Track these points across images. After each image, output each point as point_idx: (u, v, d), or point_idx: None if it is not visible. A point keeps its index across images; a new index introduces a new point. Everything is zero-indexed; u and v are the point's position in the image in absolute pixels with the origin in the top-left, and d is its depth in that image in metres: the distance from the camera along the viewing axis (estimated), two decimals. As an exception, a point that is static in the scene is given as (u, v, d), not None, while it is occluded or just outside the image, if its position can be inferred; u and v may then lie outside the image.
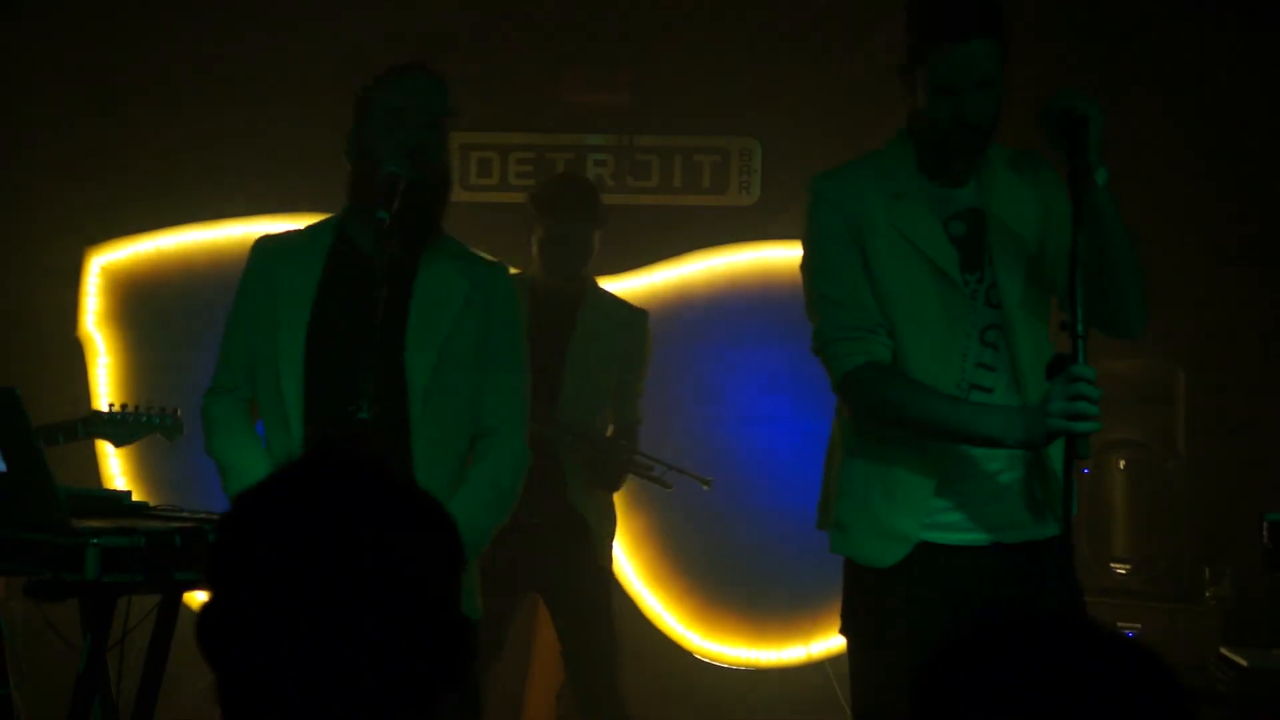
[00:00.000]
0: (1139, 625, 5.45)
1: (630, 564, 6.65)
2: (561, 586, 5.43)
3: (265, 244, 3.97)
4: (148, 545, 3.61)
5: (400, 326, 3.75)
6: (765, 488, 6.67)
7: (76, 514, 3.73)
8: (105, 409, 5.08)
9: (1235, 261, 6.49)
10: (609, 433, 5.53)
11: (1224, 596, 5.86)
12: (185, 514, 4.05)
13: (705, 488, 5.88)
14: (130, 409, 4.99)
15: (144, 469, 6.40)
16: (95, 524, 3.69)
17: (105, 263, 6.69)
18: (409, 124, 3.78)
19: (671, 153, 6.93)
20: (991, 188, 3.53)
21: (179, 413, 4.97)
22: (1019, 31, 3.60)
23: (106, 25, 6.72)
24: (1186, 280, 6.04)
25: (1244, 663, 4.32)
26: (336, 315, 3.79)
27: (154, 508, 4.21)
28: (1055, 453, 3.45)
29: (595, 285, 5.57)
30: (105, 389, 6.61)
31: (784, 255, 6.83)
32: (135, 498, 4.25)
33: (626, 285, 6.67)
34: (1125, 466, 5.83)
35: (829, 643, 6.64)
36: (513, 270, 3.97)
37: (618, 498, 5.61)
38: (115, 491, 4.55)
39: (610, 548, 5.53)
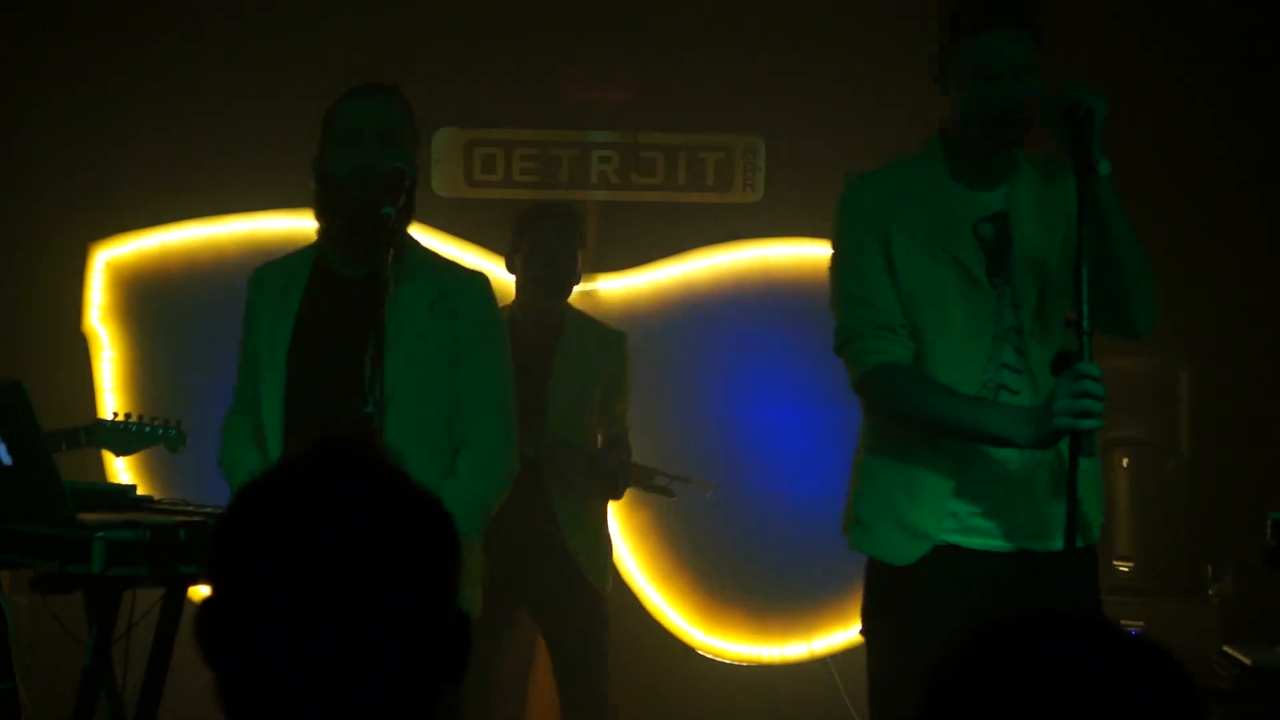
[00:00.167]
0: (1141, 623, 5.45)
1: (633, 560, 6.65)
2: (551, 607, 5.43)
3: (258, 274, 4.10)
4: (152, 539, 3.61)
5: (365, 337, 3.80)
6: (768, 484, 6.66)
7: (82, 508, 3.73)
8: (110, 417, 5.08)
9: (1239, 260, 6.49)
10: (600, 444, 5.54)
11: (1226, 594, 5.86)
12: (190, 508, 4.05)
13: (709, 495, 5.88)
14: (134, 419, 4.98)
15: (149, 463, 6.40)
16: (100, 518, 3.69)
17: (110, 258, 6.69)
18: (363, 144, 3.87)
19: (676, 150, 6.92)
20: (1019, 194, 3.52)
21: (182, 424, 4.97)
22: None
23: (111, 22, 6.72)
24: (1190, 279, 6.03)
25: (1246, 660, 4.32)
26: (314, 336, 3.91)
27: (158, 502, 4.22)
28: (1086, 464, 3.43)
29: (574, 309, 5.60)
30: (109, 383, 6.61)
31: (787, 253, 6.83)
32: (140, 492, 4.26)
33: (630, 282, 6.67)
34: (1128, 465, 5.83)
35: (831, 639, 6.64)
36: (496, 268, 4.00)
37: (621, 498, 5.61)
38: (120, 485, 4.56)
39: (606, 573, 5.53)
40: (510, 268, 5.50)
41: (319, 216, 3.96)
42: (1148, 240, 3.56)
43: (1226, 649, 4.50)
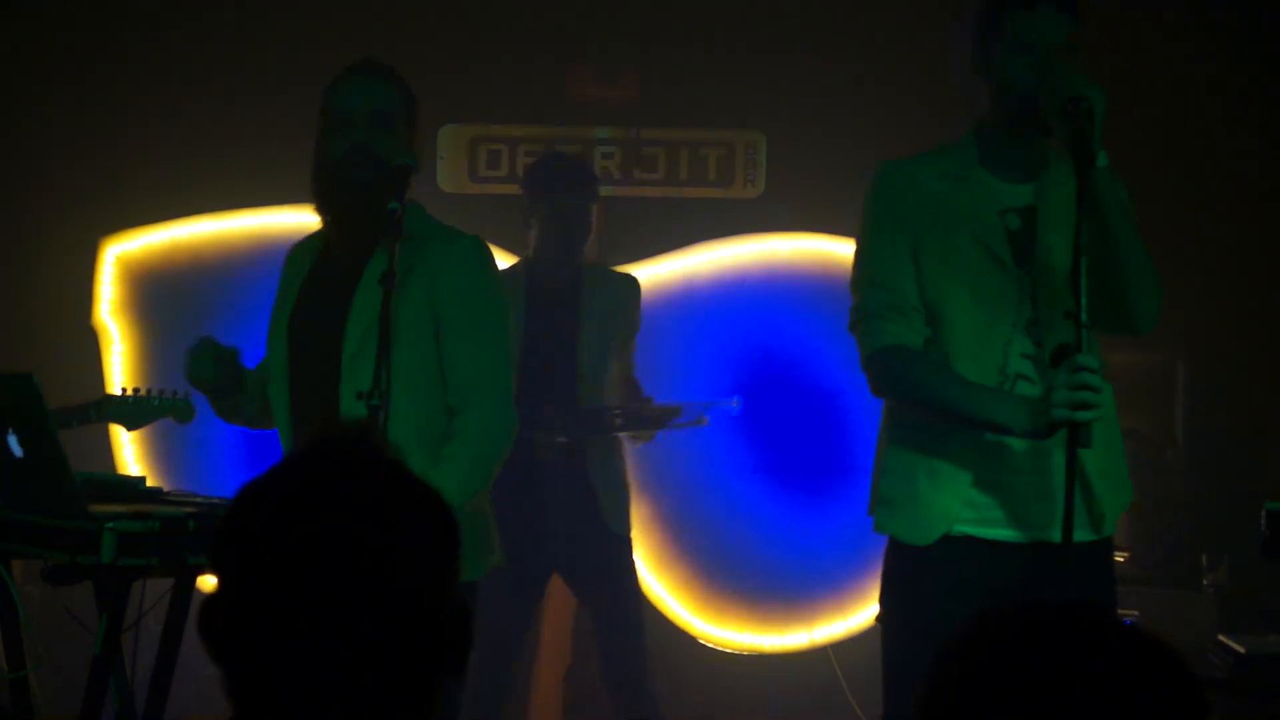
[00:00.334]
0: (1137, 612, 5.45)
1: (636, 551, 6.64)
2: (583, 569, 5.42)
3: (291, 250, 4.09)
4: (162, 530, 3.62)
5: (345, 317, 3.81)
6: (768, 475, 6.67)
7: (92, 499, 3.73)
8: (118, 392, 5.08)
9: (1236, 255, 6.49)
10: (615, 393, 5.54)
11: (1221, 584, 5.86)
12: (199, 499, 4.06)
13: (735, 406, 5.84)
14: (142, 392, 4.98)
15: (158, 454, 6.41)
16: (110, 509, 3.69)
17: (119, 252, 6.69)
18: (354, 124, 3.82)
19: (678, 146, 6.93)
20: (1050, 189, 3.49)
21: (189, 395, 4.97)
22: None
23: (120, 17, 6.72)
24: (1186, 274, 6.03)
25: (1241, 649, 4.32)
26: (309, 321, 3.88)
27: (168, 493, 4.22)
28: (1092, 452, 3.43)
29: (589, 267, 5.58)
30: (119, 376, 6.61)
31: (788, 247, 6.83)
32: (149, 483, 4.26)
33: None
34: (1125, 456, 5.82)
35: (831, 628, 6.65)
36: (507, 264, 3.95)
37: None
38: (130, 477, 4.56)
39: (629, 514, 5.52)
40: (526, 223, 5.47)
41: (315, 201, 3.90)
42: (1144, 236, 3.56)
43: (1221, 638, 4.50)
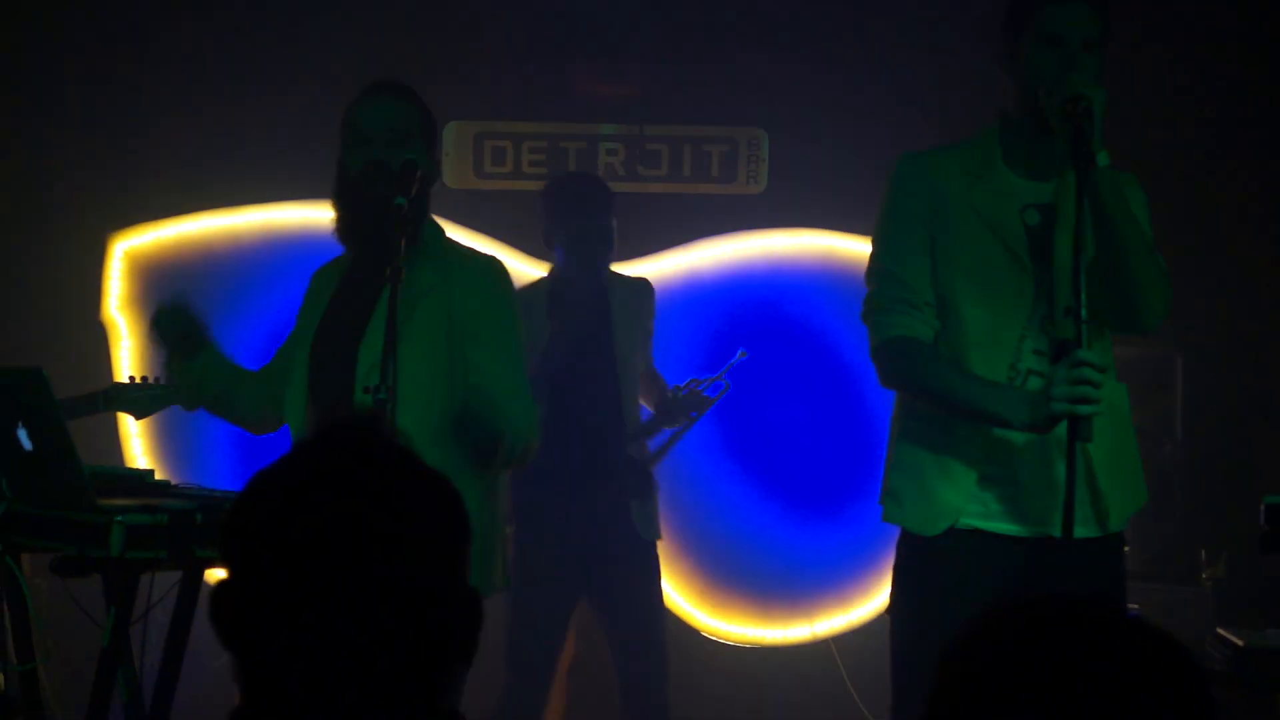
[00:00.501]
0: (1137, 606, 5.45)
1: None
2: (609, 582, 5.43)
3: (316, 273, 4.13)
4: (170, 523, 3.61)
5: (363, 329, 3.85)
6: (771, 471, 6.67)
7: (100, 492, 3.73)
8: (126, 380, 5.07)
9: (1233, 250, 6.49)
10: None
11: (1220, 578, 5.86)
12: (207, 492, 4.05)
13: (742, 357, 5.83)
14: (150, 380, 4.98)
15: (166, 448, 6.41)
16: (119, 502, 3.69)
17: (128, 248, 6.69)
18: (372, 142, 3.87)
19: (681, 142, 6.93)
20: (1070, 188, 3.47)
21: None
22: None
23: (130, 14, 6.72)
24: (1184, 270, 6.02)
25: (1240, 642, 4.31)
26: (331, 332, 3.93)
27: (176, 486, 4.22)
28: (1098, 449, 3.42)
29: (611, 275, 5.59)
30: (128, 370, 6.60)
31: (790, 242, 6.84)
32: (157, 476, 4.26)
33: (636, 271, 6.65)
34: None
35: (833, 621, 6.65)
36: (535, 278, 3.94)
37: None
38: (138, 470, 4.55)
39: (658, 519, 5.53)
40: (549, 244, 5.47)
41: (336, 217, 3.97)
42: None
43: (1220, 631, 4.49)
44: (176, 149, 6.66)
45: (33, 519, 3.78)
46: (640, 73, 6.92)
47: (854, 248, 6.60)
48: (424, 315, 3.81)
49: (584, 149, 6.88)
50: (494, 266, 4.00)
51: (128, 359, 6.63)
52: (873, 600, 6.58)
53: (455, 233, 6.25)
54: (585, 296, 5.40)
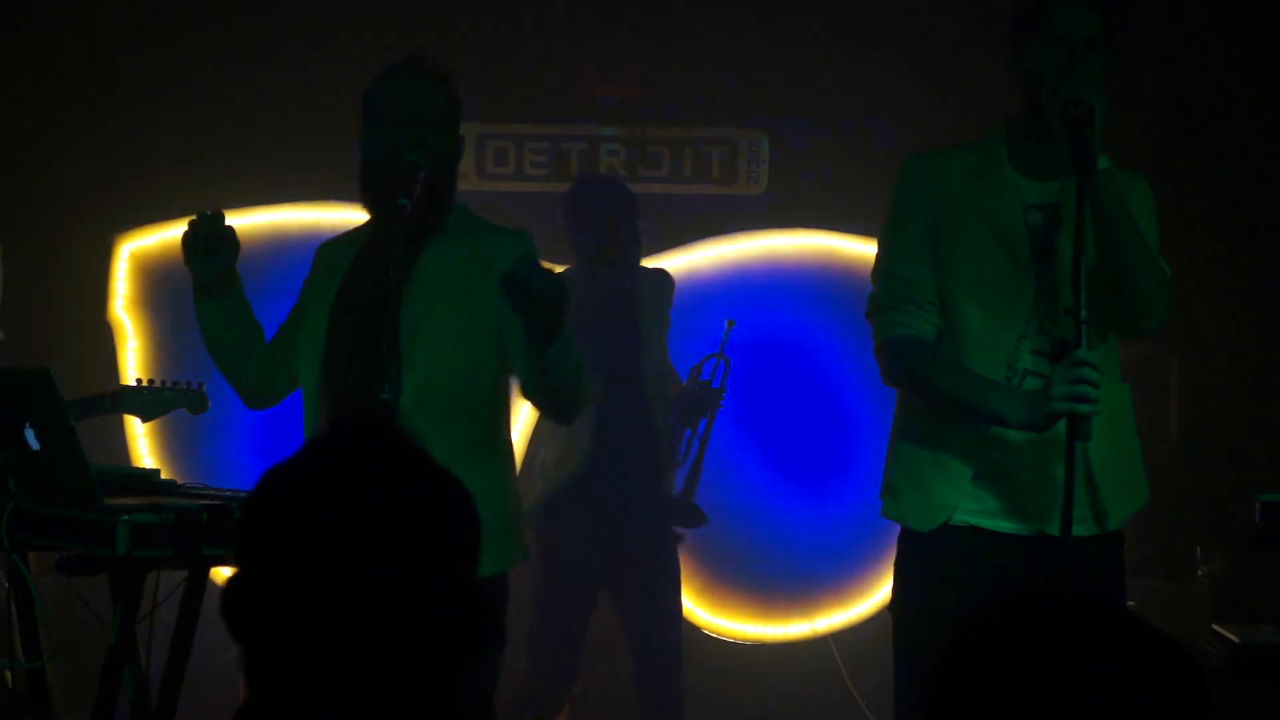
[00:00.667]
0: (1133, 602, 5.44)
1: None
2: (634, 580, 5.46)
3: (320, 250, 4.02)
4: (176, 522, 3.61)
5: (399, 299, 3.72)
6: (771, 468, 6.67)
7: (107, 491, 3.73)
8: (133, 383, 5.07)
9: (1227, 251, 6.48)
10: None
11: (1215, 574, 5.85)
12: (213, 491, 4.05)
13: (731, 325, 5.83)
14: (157, 383, 4.98)
15: (172, 448, 6.41)
16: (125, 501, 3.69)
17: (134, 249, 6.69)
18: (397, 121, 3.77)
19: (682, 144, 6.93)
20: (1072, 190, 3.44)
21: (204, 386, 4.96)
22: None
23: (136, 16, 6.72)
24: (1179, 270, 6.02)
25: (1234, 638, 4.31)
26: (348, 307, 3.82)
27: (182, 485, 4.21)
28: (1098, 449, 3.42)
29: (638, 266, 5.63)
30: (134, 370, 6.61)
31: (790, 243, 6.84)
32: (164, 476, 4.26)
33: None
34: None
35: (832, 619, 6.65)
36: (558, 268, 3.94)
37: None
38: (144, 470, 4.55)
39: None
40: (572, 245, 5.50)
41: (362, 196, 3.85)
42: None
43: (1215, 627, 4.50)
44: (181, 151, 6.66)
45: (40, 518, 3.78)
46: (641, 75, 6.92)
47: (853, 248, 6.60)
48: (456, 291, 3.74)
49: (585, 150, 6.88)
50: (527, 239, 3.89)
51: (134, 359, 6.63)
52: (872, 597, 6.58)
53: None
54: (610, 292, 5.40)
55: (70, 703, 5.30)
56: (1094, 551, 3.51)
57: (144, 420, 5.15)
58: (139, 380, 5.09)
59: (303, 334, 3.88)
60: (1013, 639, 1.52)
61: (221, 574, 4.94)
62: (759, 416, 6.62)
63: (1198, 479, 6.14)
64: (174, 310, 6.63)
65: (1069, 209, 3.48)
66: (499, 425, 3.86)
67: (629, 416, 5.37)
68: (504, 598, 3.77)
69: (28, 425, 3.75)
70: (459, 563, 1.76)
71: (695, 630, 6.63)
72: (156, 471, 4.28)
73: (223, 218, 3.89)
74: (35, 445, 3.75)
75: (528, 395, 3.83)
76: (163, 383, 4.97)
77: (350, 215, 6.51)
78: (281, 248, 6.49)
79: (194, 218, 3.89)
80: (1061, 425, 3.36)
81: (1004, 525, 3.55)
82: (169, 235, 6.69)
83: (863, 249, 6.43)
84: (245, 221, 6.66)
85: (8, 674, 4.76)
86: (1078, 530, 3.38)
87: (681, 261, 6.72)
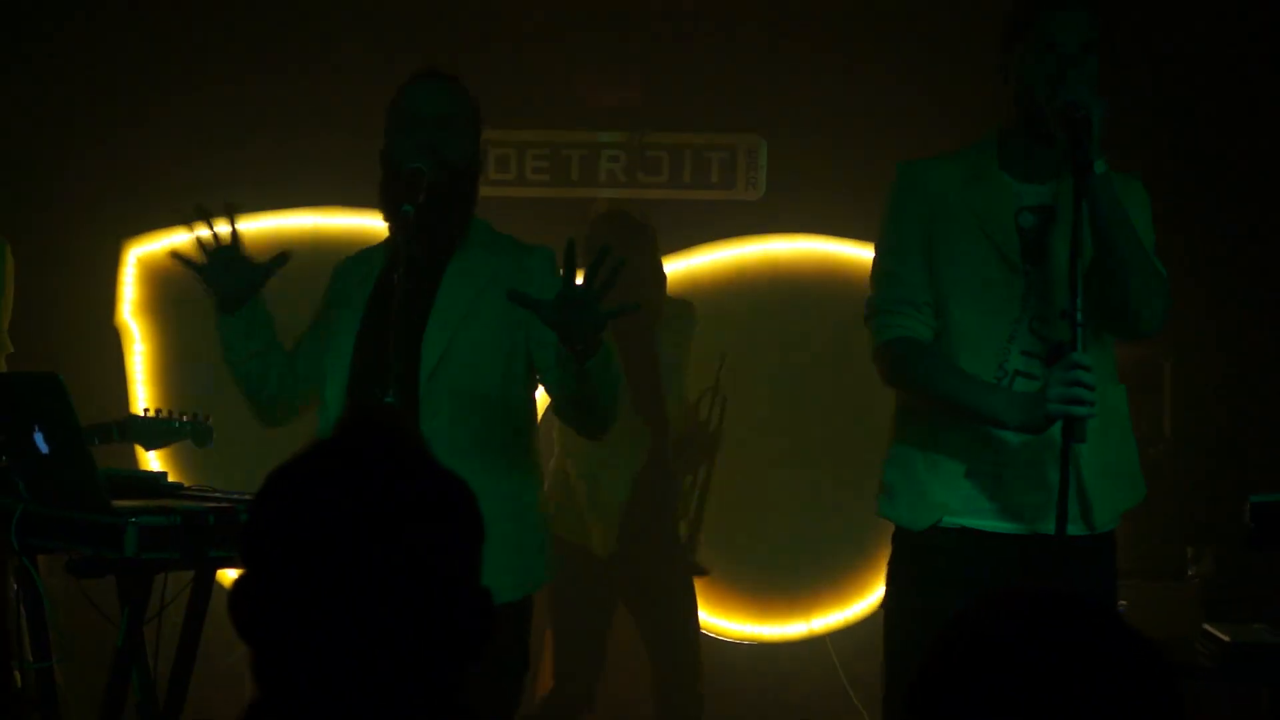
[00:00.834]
0: (1126, 602, 5.45)
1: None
2: (651, 589, 5.49)
3: (340, 266, 3.98)
4: (183, 524, 3.62)
5: (425, 316, 3.72)
6: (769, 471, 6.67)
7: (115, 494, 3.74)
8: (141, 413, 5.08)
9: (1219, 254, 6.49)
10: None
11: (1207, 575, 5.86)
12: (218, 494, 4.05)
13: (724, 358, 5.80)
14: (164, 414, 4.97)
15: (179, 451, 6.40)
16: (133, 504, 3.70)
17: (141, 254, 6.70)
18: (419, 126, 3.75)
19: (681, 149, 6.93)
20: (1068, 192, 3.44)
21: (210, 420, 4.96)
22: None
23: (143, 23, 6.73)
24: (1172, 274, 6.02)
25: (1226, 638, 4.31)
26: (377, 315, 3.75)
27: (189, 488, 4.22)
28: (1088, 449, 3.43)
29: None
30: (140, 375, 6.62)
31: (788, 248, 6.84)
32: (171, 479, 4.26)
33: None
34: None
35: (829, 619, 6.66)
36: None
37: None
38: (152, 473, 4.56)
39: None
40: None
41: (384, 205, 3.79)
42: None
43: (1207, 627, 4.49)
44: (188, 157, 6.66)
45: (49, 520, 3.79)
46: (641, 81, 6.93)
47: (851, 253, 6.61)
48: (486, 304, 3.71)
49: (586, 156, 6.89)
50: (552, 256, 3.81)
51: (140, 363, 6.64)
52: (868, 598, 6.59)
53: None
54: (633, 322, 5.37)
55: (78, 703, 5.31)
56: (1086, 551, 3.52)
57: (147, 449, 5.15)
58: (146, 410, 5.10)
59: (329, 354, 3.82)
60: (992, 638, 1.53)
61: (228, 575, 4.96)
62: (758, 420, 6.62)
63: (1190, 480, 6.14)
64: (180, 315, 6.64)
65: (1064, 211, 3.49)
66: (528, 444, 3.82)
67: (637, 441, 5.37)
68: (528, 620, 3.76)
69: (37, 429, 3.76)
70: (461, 563, 1.75)
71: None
72: (164, 474, 4.29)
73: (235, 233, 3.84)
74: (44, 449, 3.76)
75: (559, 412, 3.77)
76: (169, 414, 4.98)
77: (352, 220, 6.54)
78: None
79: (205, 234, 3.83)
80: (1056, 426, 3.38)
81: (997, 525, 3.56)
82: (175, 241, 6.70)
83: (860, 254, 6.44)
84: (250, 227, 6.68)
85: (16, 674, 4.77)
86: (1070, 530, 3.39)
87: (681, 266, 6.72)
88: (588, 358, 3.46)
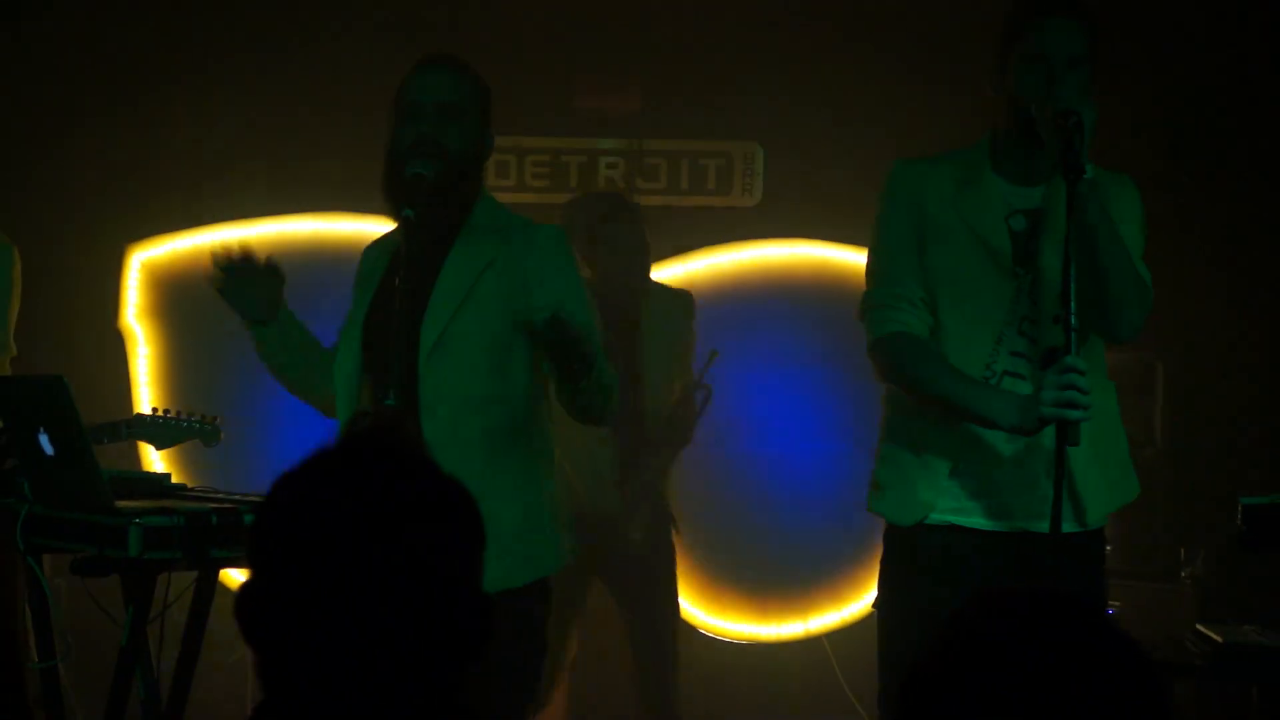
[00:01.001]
0: (1119, 603, 5.44)
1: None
2: (635, 575, 5.45)
3: (366, 250, 3.93)
4: (186, 525, 3.62)
5: (424, 305, 3.66)
6: (767, 472, 6.67)
7: (119, 495, 3.74)
8: (149, 412, 5.07)
9: (1211, 259, 6.49)
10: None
11: (1199, 575, 5.86)
12: (221, 495, 4.05)
13: (715, 355, 5.76)
14: (172, 414, 4.96)
15: (182, 452, 6.39)
16: (137, 504, 3.70)
17: (145, 258, 6.69)
18: (420, 117, 3.68)
19: (678, 156, 6.94)
20: (1059, 193, 3.45)
21: (219, 420, 4.95)
22: None
23: (148, 30, 6.73)
24: (1163, 278, 6.02)
25: (1218, 638, 4.31)
26: (381, 310, 3.72)
27: (192, 489, 4.22)
28: (1081, 451, 3.44)
29: (652, 282, 5.59)
30: (145, 378, 6.61)
31: (784, 253, 6.85)
32: (174, 480, 4.26)
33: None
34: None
35: (826, 619, 6.65)
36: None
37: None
38: (155, 474, 4.56)
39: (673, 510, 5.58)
40: (581, 256, 5.44)
41: (385, 195, 3.72)
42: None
43: (1199, 627, 4.49)
44: (192, 163, 6.67)
45: (54, 521, 3.79)
46: (640, 90, 6.93)
47: (846, 258, 6.61)
48: (486, 286, 3.65)
49: (585, 163, 6.89)
50: (556, 236, 3.78)
51: (144, 366, 6.63)
52: (865, 598, 6.58)
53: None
54: (614, 304, 5.34)
55: (83, 701, 5.31)
56: (1077, 548, 3.52)
57: (157, 449, 5.14)
58: (154, 409, 5.09)
59: (340, 353, 3.79)
60: (984, 637, 1.53)
61: (231, 576, 4.96)
62: (755, 422, 6.62)
63: (1183, 482, 6.14)
64: (184, 319, 6.64)
65: (1054, 215, 3.50)
66: (535, 428, 3.73)
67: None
68: (547, 603, 3.71)
69: (41, 431, 3.76)
70: (461, 565, 1.75)
71: (693, 630, 6.63)
72: (167, 475, 4.29)
73: (252, 254, 3.79)
74: (49, 450, 3.76)
75: (559, 399, 3.71)
76: (177, 414, 4.97)
77: (353, 225, 6.54)
78: (287, 256, 6.48)
79: (220, 255, 3.78)
80: (1047, 428, 3.38)
81: (984, 523, 3.56)
82: (179, 245, 6.70)
83: (855, 258, 6.44)
84: (251, 232, 6.68)
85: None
86: (1077, 526, 3.41)
87: (678, 271, 6.73)
88: (579, 379, 3.47)
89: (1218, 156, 6.55)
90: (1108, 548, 3.80)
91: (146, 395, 6.56)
